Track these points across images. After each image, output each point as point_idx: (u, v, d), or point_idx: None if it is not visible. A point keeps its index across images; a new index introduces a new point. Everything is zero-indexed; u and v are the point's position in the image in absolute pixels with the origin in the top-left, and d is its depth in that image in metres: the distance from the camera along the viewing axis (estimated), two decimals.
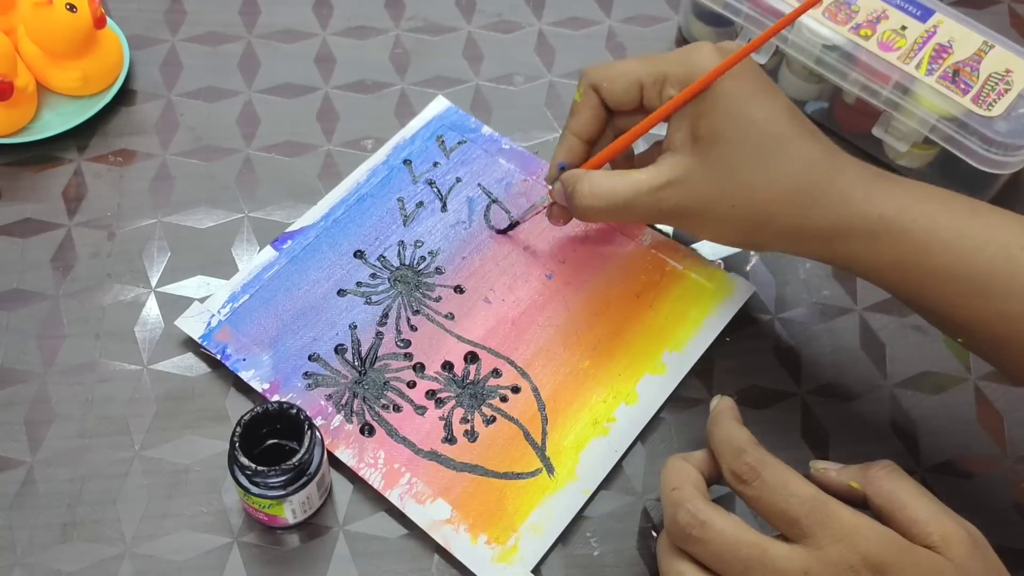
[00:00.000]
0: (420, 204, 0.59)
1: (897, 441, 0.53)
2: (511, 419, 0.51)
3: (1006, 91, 0.58)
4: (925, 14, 0.61)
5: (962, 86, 0.58)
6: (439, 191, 0.59)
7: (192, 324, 0.53)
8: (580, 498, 0.49)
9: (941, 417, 0.54)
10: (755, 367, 0.55)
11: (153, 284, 0.56)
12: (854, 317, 0.57)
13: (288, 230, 0.57)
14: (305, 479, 0.45)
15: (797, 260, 0.58)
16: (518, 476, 0.50)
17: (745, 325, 0.56)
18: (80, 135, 0.61)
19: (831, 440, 0.53)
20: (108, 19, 0.63)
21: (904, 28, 0.60)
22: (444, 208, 0.59)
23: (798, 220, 0.46)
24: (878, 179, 0.46)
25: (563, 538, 0.49)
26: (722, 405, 0.45)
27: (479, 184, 0.60)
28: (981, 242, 0.44)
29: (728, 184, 0.47)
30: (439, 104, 0.63)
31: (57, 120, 0.60)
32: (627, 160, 0.55)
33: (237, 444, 0.44)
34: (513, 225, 0.57)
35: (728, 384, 0.54)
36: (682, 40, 0.69)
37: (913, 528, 0.40)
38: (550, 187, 0.54)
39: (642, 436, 0.52)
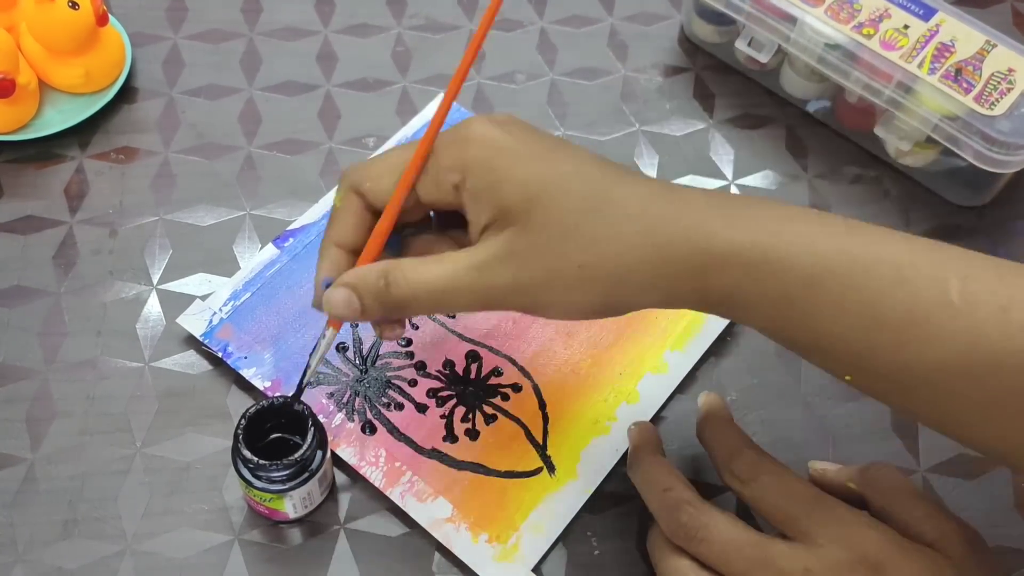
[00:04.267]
0: None
1: (897, 441, 0.53)
2: (512, 418, 0.51)
3: (1008, 90, 0.58)
4: (927, 13, 0.61)
5: (964, 85, 0.58)
6: None
7: (193, 322, 0.53)
8: (581, 497, 0.49)
9: None
10: (756, 367, 0.55)
11: (155, 281, 0.56)
12: None
13: (290, 228, 0.57)
14: (307, 475, 0.45)
15: None
16: (519, 475, 0.50)
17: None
18: (82, 132, 0.61)
19: (831, 440, 0.53)
20: (110, 16, 0.63)
21: (906, 27, 0.60)
22: None
23: (657, 266, 0.38)
24: (732, 204, 0.40)
25: (564, 537, 0.49)
26: (712, 404, 0.45)
27: None
28: (869, 263, 0.37)
29: (567, 245, 0.39)
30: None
31: (59, 117, 0.60)
32: None
33: (241, 437, 0.44)
34: (301, 388, 0.46)
35: (729, 384, 0.54)
36: (684, 39, 0.69)
37: (910, 527, 0.40)
38: (326, 312, 0.43)
39: None
